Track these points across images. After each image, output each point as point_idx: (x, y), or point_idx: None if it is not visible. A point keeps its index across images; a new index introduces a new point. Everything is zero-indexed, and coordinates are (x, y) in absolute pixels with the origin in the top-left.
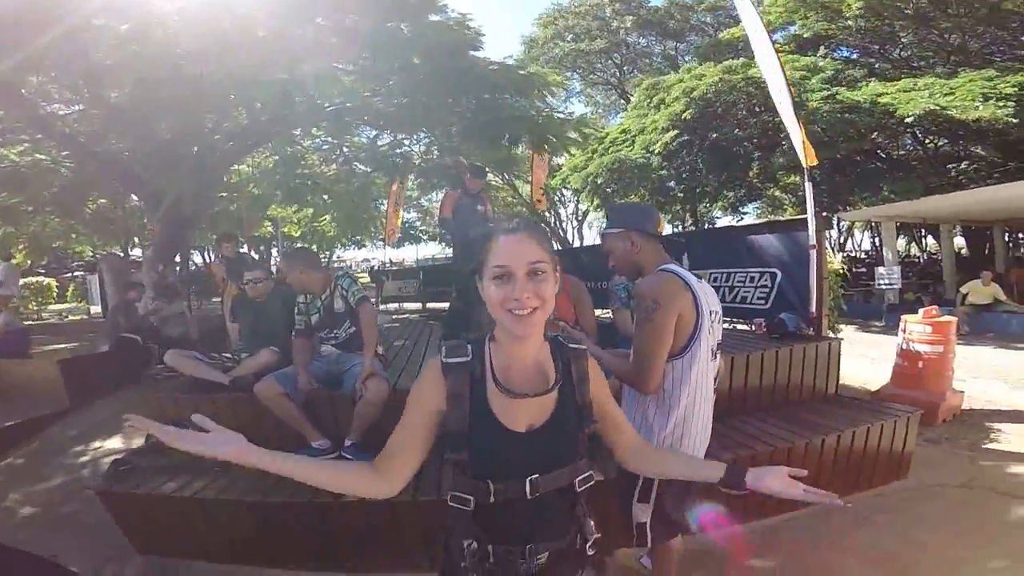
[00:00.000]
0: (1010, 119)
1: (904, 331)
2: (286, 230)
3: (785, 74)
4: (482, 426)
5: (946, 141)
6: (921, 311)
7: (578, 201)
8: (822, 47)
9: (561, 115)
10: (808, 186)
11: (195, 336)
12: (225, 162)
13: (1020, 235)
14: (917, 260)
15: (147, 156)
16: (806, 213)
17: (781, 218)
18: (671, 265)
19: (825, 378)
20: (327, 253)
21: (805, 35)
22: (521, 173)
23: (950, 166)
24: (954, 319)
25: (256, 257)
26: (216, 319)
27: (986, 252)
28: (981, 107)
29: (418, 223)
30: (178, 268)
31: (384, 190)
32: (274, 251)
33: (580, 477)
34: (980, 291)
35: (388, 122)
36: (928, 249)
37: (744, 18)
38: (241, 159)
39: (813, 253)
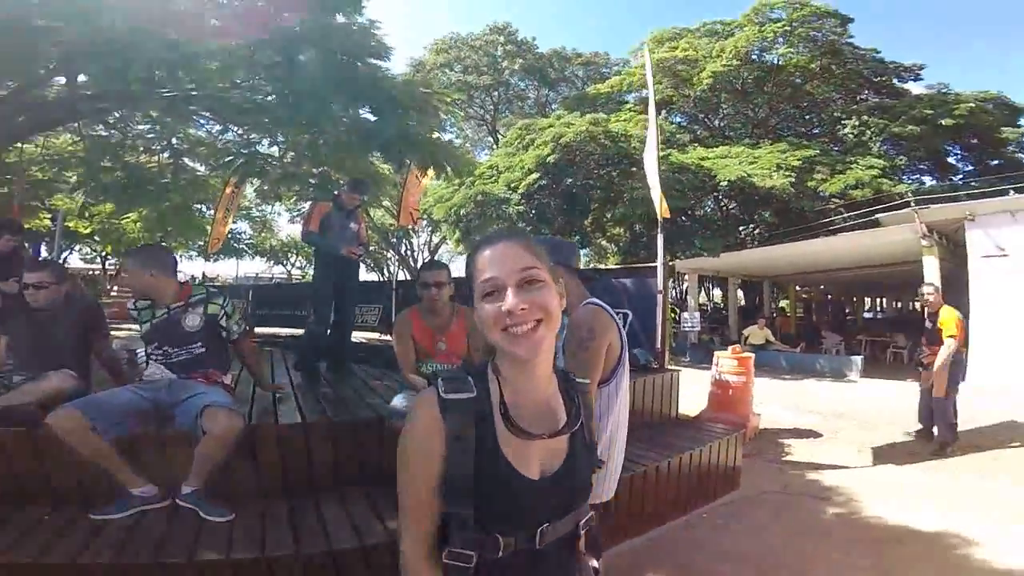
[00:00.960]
0: (789, 188)
1: (717, 365)
2: (72, 224)
3: (658, 134)
4: (492, 473)
5: (736, 205)
6: (729, 348)
7: (432, 231)
8: (664, 111)
9: (446, 143)
10: (660, 237)
11: None
12: (8, 137)
13: (776, 289)
14: (705, 308)
15: None
16: (652, 261)
17: (638, 264)
18: (595, 299)
19: (669, 404)
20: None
21: (656, 98)
22: (383, 196)
23: (740, 228)
24: (753, 355)
25: (44, 255)
26: None
27: (756, 302)
28: (775, 176)
29: (244, 235)
30: None
31: (213, 194)
32: (43, 248)
33: (583, 520)
34: (757, 334)
35: (243, 118)
36: (712, 299)
37: (648, 77)
38: (32, 136)
39: (659, 297)
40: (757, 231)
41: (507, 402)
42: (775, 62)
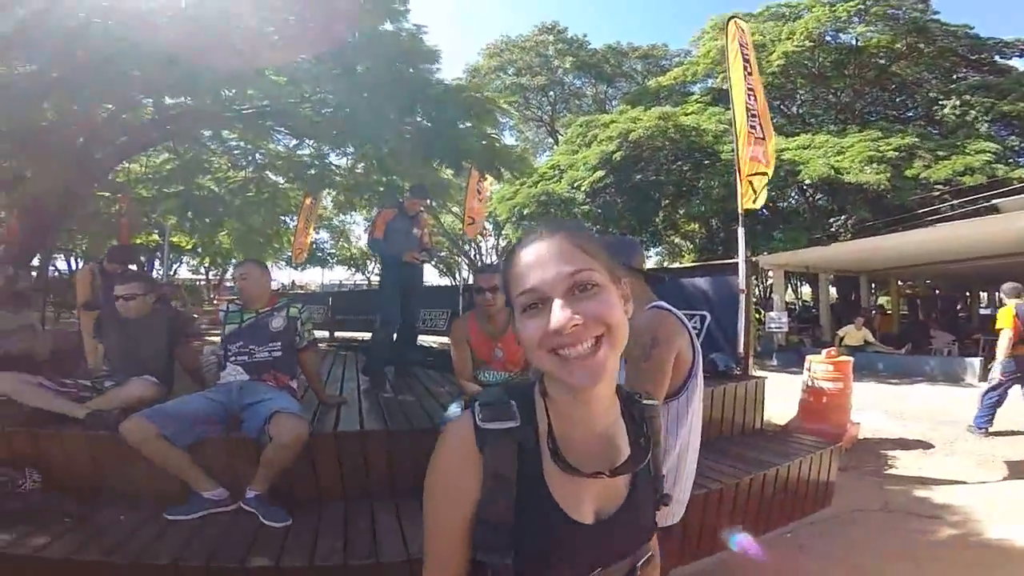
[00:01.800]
0: (886, 183)
1: (809, 370)
2: (176, 240)
3: (745, 117)
4: (537, 517)
5: (823, 196)
6: (824, 352)
7: (499, 235)
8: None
9: (503, 145)
10: (741, 231)
11: (44, 355)
12: (114, 158)
13: (875, 284)
14: (794, 307)
15: (18, 135)
16: (730, 257)
17: (716, 262)
18: (662, 303)
19: (753, 414)
20: (219, 269)
21: (724, 87)
22: (450, 202)
23: (831, 219)
24: (851, 359)
25: (157, 268)
26: (73, 336)
27: (852, 299)
28: (868, 170)
29: (326, 245)
30: (34, 273)
31: (295, 205)
32: (156, 263)
33: (641, 560)
34: (854, 335)
35: (315, 131)
36: (801, 296)
37: (732, 71)
38: (134, 156)
39: (742, 296)
40: (851, 222)
41: (557, 433)
42: (854, 43)
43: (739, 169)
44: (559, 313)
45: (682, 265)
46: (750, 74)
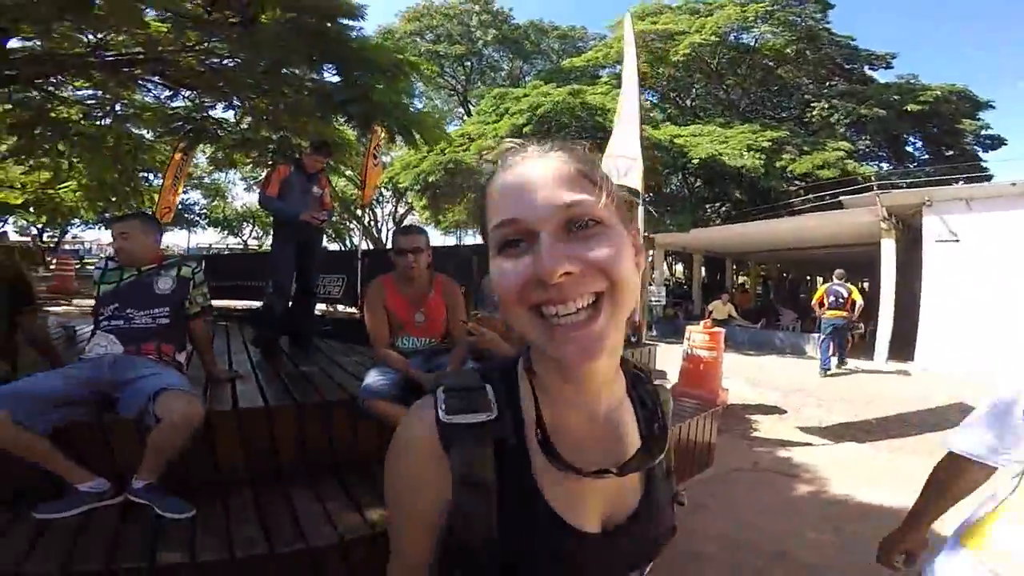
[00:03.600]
0: (759, 168)
1: (689, 339)
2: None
3: (640, 105)
4: (529, 531)
5: (703, 183)
6: (701, 323)
7: (397, 202)
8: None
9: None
10: (640, 210)
11: None
12: None
13: (737, 266)
14: (668, 282)
15: None
16: None
17: None
18: None
19: None
20: (58, 231)
21: None
22: (344, 164)
23: (707, 205)
24: (722, 330)
25: None
26: None
27: (718, 278)
28: (746, 156)
29: (195, 206)
30: None
31: (161, 161)
32: None
33: (648, 569)
34: (720, 309)
35: (197, 82)
36: (675, 274)
37: (626, 52)
38: None
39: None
40: (723, 208)
41: (547, 421)
42: (752, 44)
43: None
44: (547, 253)
45: None
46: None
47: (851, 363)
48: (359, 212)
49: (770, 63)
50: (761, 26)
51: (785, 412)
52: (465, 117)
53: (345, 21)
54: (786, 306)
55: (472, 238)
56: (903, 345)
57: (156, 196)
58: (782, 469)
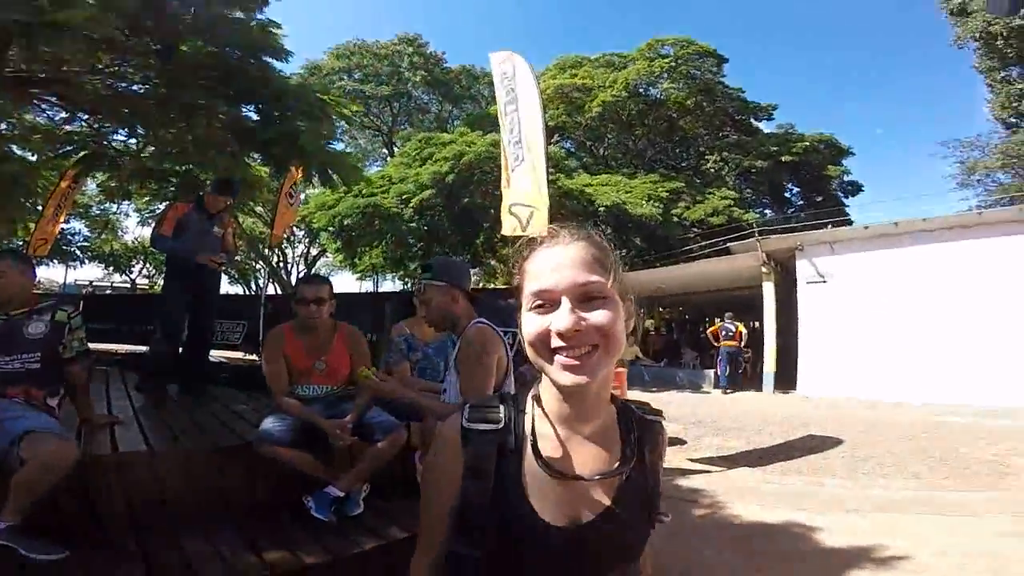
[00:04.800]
0: (657, 216)
1: None
2: None
3: (547, 153)
4: (510, 515)
5: (611, 231)
6: None
7: (310, 243)
8: (556, 136)
9: (338, 151)
10: None
11: None
12: None
13: (642, 310)
14: None
15: None
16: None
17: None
18: (483, 319)
19: None
20: None
21: (550, 123)
22: (254, 202)
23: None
24: (625, 370)
25: None
26: None
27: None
28: (645, 205)
29: (77, 237)
30: None
31: (44, 187)
32: None
33: None
34: (627, 350)
35: (101, 106)
36: None
37: (523, 94)
38: None
39: None
40: (629, 256)
41: (545, 435)
42: (658, 96)
43: (503, 197)
44: (566, 316)
45: (495, 287)
46: (515, 109)
47: (741, 394)
48: (267, 252)
49: (673, 115)
50: (666, 81)
51: (685, 442)
52: (389, 158)
53: (269, 60)
54: (688, 346)
55: (390, 283)
56: (787, 375)
57: (32, 225)
58: (684, 496)
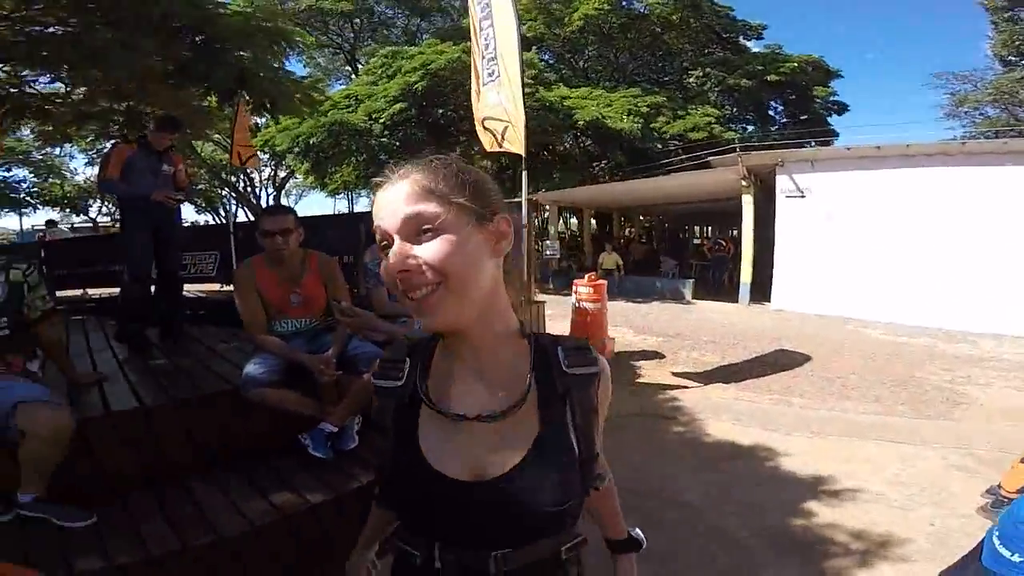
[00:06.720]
0: (638, 132)
1: (576, 293)
2: None
3: (523, 67)
4: (402, 465)
5: (592, 142)
6: (586, 276)
7: (276, 166)
8: (534, 47)
9: (290, 75)
10: (525, 173)
11: None
12: None
13: (624, 219)
14: (564, 236)
15: None
16: (517, 194)
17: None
18: None
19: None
20: None
21: (528, 35)
22: (210, 130)
23: (594, 164)
24: (606, 282)
25: None
26: None
27: (607, 230)
28: (626, 119)
29: (24, 184)
30: None
31: None
32: None
33: (568, 545)
34: (608, 259)
35: (10, 52)
36: (570, 228)
37: (498, 6)
38: None
39: (524, 231)
40: (610, 167)
41: (439, 375)
42: (641, 10)
43: (474, 112)
44: (391, 257)
45: None
46: (490, 24)
47: (718, 305)
48: (231, 179)
49: (657, 29)
50: None
51: (664, 356)
52: (353, 76)
53: None
54: (666, 254)
55: (366, 199)
56: (762, 288)
57: None
58: (665, 413)
